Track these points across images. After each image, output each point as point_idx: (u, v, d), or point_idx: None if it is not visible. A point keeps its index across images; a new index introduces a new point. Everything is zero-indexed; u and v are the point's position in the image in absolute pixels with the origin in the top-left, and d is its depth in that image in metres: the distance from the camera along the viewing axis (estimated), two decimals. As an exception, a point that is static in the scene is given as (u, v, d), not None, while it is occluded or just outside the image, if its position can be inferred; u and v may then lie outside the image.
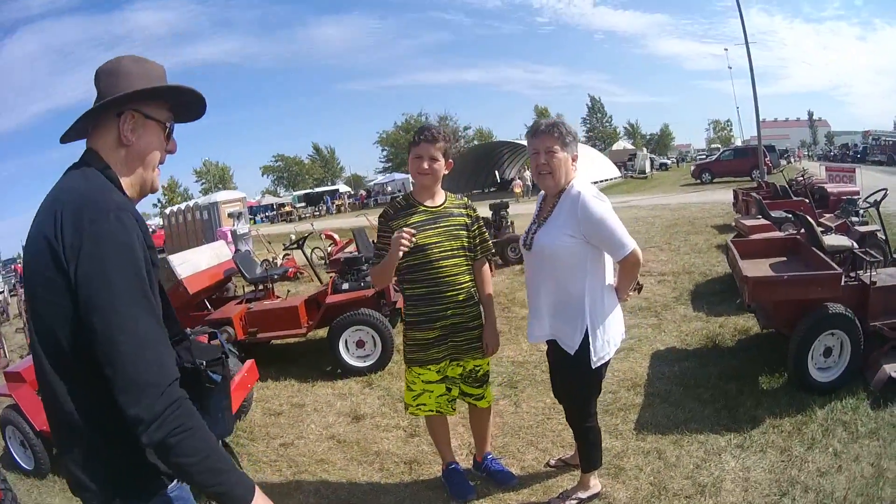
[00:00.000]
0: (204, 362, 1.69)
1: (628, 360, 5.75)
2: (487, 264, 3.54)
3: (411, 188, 3.55)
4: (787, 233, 7.94)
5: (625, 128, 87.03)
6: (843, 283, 4.41)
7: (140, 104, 1.60)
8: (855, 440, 3.84)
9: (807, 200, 10.64)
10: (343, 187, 60.86)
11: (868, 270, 4.67)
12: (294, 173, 77.65)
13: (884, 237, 6.49)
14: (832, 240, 5.65)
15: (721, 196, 20.06)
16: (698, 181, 31.66)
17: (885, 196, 6.48)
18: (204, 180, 72.18)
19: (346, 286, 6.60)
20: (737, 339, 6.02)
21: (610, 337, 3.15)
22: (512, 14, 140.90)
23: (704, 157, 49.76)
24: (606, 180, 39.35)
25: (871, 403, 4.21)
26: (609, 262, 3.17)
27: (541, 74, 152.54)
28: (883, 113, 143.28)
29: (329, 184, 68.82)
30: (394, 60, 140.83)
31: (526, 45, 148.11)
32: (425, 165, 3.19)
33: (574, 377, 3.18)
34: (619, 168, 45.14)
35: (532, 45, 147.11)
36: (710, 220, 14.88)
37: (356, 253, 9.06)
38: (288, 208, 52.03)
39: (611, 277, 3.22)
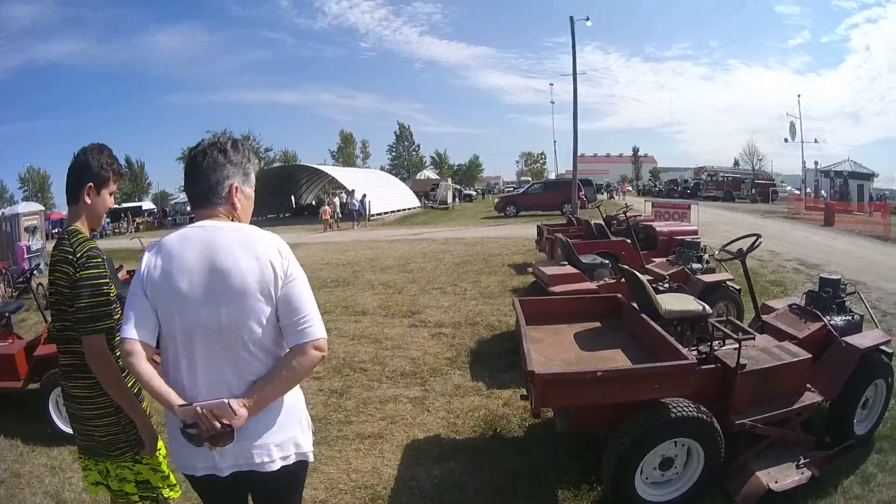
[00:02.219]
0: None
1: (373, 453, 4.28)
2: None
3: None
4: (599, 282, 6.67)
5: (432, 157, 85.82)
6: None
7: None
8: None
9: (628, 241, 9.23)
10: (148, 204, 58.85)
11: (729, 346, 3.66)
12: None
13: (748, 294, 4.76)
14: (671, 301, 4.31)
15: (523, 231, 19.42)
16: (502, 214, 30.51)
17: (758, 244, 4.62)
18: (26, 188, 70.12)
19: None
20: (526, 426, 4.57)
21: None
22: (337, 38, 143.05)
23: (512, 189, 50.90)
24: (405, 210, 38.51)
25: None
26: None
27: (354, 100, 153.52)
28: (717, 150, 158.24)
29: (136, 200, 65.72)
30: (216, 76, 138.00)
31: (346, 69, 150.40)
32: None
33: None
34: (421, 198, 44.45)
35: (351, 70, 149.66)
36: (509, 257, 13.74)
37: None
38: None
39: None
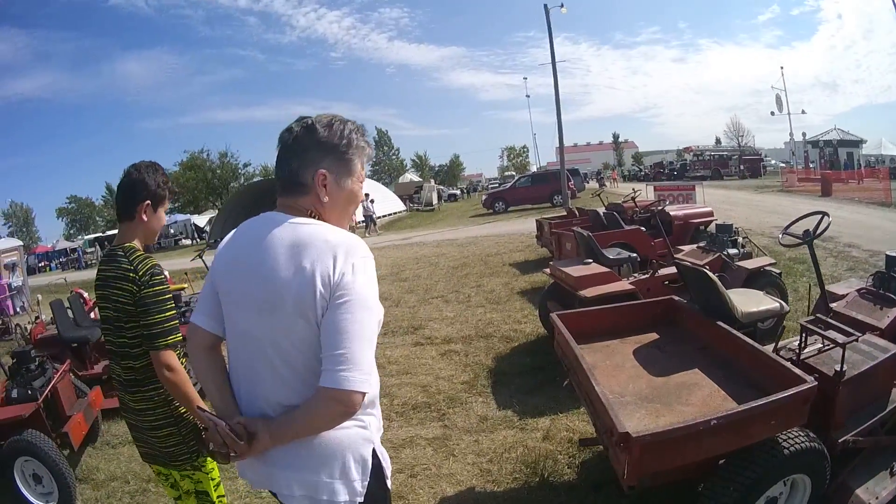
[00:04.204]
0: None
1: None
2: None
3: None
4: (629, 279, 5.82)
5: (412, 160, 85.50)
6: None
7: None
8: None
9: (643, 229, 8.57)
10: None
11: (811, 347, 3.00)
12: (86, 215, 74.86)
13: (818, 282, 3.82)
14: (743, 300, 3.53)
15: (518, 226, 18.60)
16: (491, 211, 29.21)
17: (827, 223, 3.76)
18: (10, 223, 69.79)
19: (15, 393, 4.46)
20: (577, 464, 3.70)
21: None
22: (306, 50, 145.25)
23: (497, 185, 50.01)
24: (391, 214, 37.46)
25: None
26: None
27: (330, 110, 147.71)
28: (696, 130, 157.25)
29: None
30: (188, 98, 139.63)
31: (318, 81, 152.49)
32: None
33: None
34: (405, 201, 43.57)
35: (324, 81, 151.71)
36: (508, 256, 12.79)
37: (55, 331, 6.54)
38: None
39: None
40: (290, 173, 1.67)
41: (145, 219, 2.46)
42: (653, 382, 3.03)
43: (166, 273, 2.59)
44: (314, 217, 1.66)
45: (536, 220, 12.10)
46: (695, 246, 6.51)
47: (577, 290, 5.31)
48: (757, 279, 5.51)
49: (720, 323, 3.29)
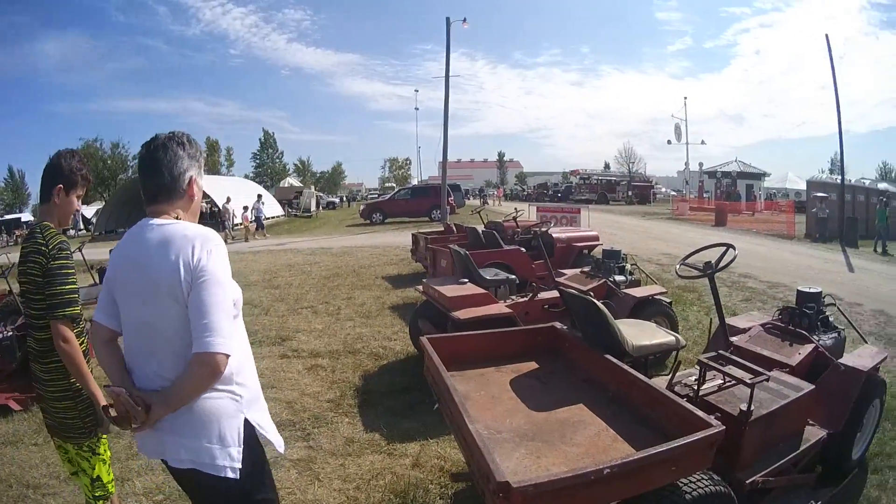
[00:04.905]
0: None
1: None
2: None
3: None
4: (506, 302, 5.71)
5: (295, 164, 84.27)
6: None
7: None
8: None
9: (523, 249, 8.63)
10: (28, 216, 53.07)
11: (710, 383, 2.98)
12: None
13: (717, 314, 3.78)
14: (634, 332, 3.54)
15: (394, 239, 18.48)
16: (368, 221, 28.66)
17: (732, 256, 3.62)
18: None
19: None
20: (450, 495, 3.62)
21: None
22: (207, 44, 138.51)
23: (377, 195, 49.64)
24: (269, 218, 36.15)
25: None
26: None
27: (222, 108, 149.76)
28: (587, 154, 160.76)
29: (17, 211, 61.59)
30: (95, 84, 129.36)
31: (215, 76, 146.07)
32: None
33: None
34: (284, 206, 42.00)
35: (219, 77, 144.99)
36: (381, 268, 12.65)
37: None
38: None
39: None
40: (172, 180, 2.02)
41: (58, 202, 2.63)
42: (532, 418, 2.86)
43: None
44: (178, 218, 2.01)
45: (412, 234, 12.03)
46: (578, 270, 6.60)
47: (450, 311, 5.17)
48: (644, 308, 5.56)
49: (608, 356, 3.16)
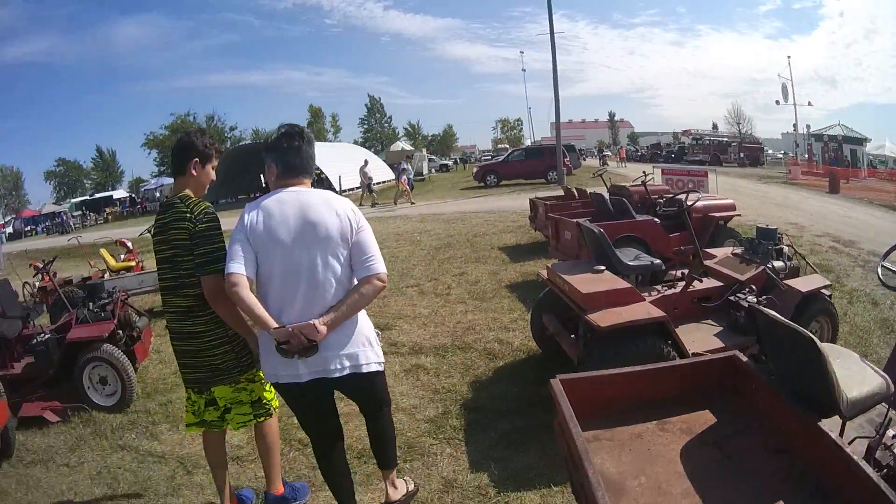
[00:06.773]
0: None
1: None
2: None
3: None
4: (652, 294, 4.43)
5: (405, 128, 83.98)
6: None
7: None
8: None
9: (657, 220, 7.12)
10: (121, 193, 57.22)
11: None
12: (73, 178, 73.04)
13: None
14: (849, 378, 2.20)
15: (509, 202, 17.25)
16: (482, 184, 27.57)
17: None
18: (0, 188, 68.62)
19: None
20: None
21: None
22: (301, 16, 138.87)
23: (490, 157, 48.26)
24: (380, 183, 35.76)
25: None
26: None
27: (323, 77, 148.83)
28: (691, 114, 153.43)
29: (110, 188, 63.50)
30: (182, 62, 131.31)
31: (312, 47, 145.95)
32: None
33: None
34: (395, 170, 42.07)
35: (318, 47, 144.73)
36: (497, 237, 11.48)
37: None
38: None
39: None
40: (305, 162, 2.70)
41: (195, 173, 2.96)
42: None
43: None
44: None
45: (530, 200, 10.72)
46: (729, 251, 5.09)
47: (585, 312, 3.83)
48: (809, 306, 4.27)
49: (824, 427, 1.91)
